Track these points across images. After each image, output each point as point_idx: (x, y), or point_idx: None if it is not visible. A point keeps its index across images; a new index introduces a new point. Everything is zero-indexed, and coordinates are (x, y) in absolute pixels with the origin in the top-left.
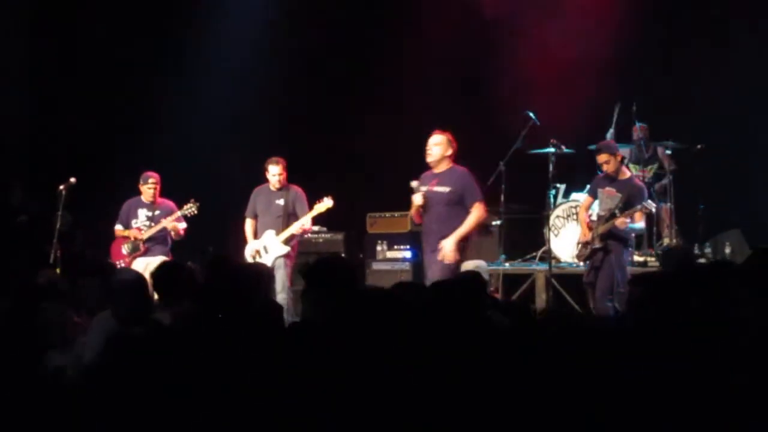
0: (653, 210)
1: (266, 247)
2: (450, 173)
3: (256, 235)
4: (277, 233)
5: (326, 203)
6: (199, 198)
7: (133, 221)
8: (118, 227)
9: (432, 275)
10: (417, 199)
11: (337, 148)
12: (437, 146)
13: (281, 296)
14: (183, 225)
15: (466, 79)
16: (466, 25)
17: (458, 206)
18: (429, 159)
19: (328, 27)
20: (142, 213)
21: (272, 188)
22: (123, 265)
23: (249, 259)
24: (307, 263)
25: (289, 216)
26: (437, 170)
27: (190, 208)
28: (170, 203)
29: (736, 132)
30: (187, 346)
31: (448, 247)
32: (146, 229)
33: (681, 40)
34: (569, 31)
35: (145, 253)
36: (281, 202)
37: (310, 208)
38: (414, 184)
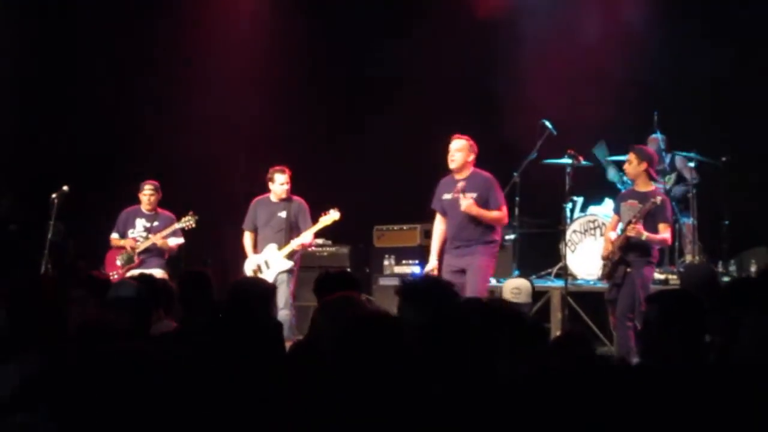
0: (658, 202)
1: (267, 261)
2: (474, 178)
3: (255, 249)
4: (279, 248)
5: (332, 216)
6: (198, 207)
7: (130, 231)
8: (114, 236)
9: (469, 286)
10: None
11: (343, 157)
12: (459, 152)
13: (283, 312)
14: (178, 241)
15: (479, 86)
16: (480, 30)
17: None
18: (452, 165)
19: (329, 31)
20: (140, 223)
21: (274, 199)
22: (117, 276)
23: (250, 274)
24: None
25: (292, 229)
26: (460, 176)
27: (188, 221)
28: (170, 215)
29: (763, 144)
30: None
31: (472, 206)
32: (142, 240)
33: (704, 46)
34: (588, 38)
35: (140, 265)
36: (283, 214)
37: (314, 220)
38: (447, 197)
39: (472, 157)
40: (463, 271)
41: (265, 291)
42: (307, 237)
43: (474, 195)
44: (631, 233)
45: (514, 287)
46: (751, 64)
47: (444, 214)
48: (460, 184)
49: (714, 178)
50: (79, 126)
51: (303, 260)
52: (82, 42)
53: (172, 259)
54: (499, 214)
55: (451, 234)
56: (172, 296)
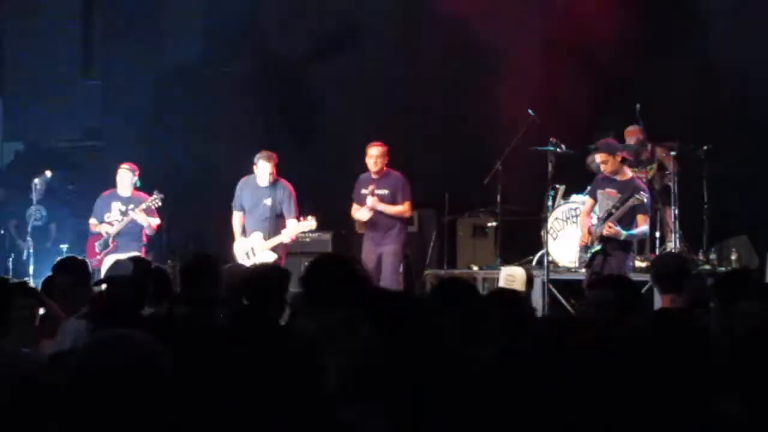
0: (644, 200)
1: (254, 249)
2: (387, 178)
3: (244, 231)
4: (265, 238)
5: (309, 223)
6: (178, 193)
7: (106, 215)
8: (92, 221)
9: (384, 269)
10: (364, 216)
11: (326, 143)
12: (381, 158)
13: None
14: (156, 221)
15: (461, 75)
16: (462, 19)
17: (394, 205)
18: (376, 168)
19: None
20: (116, 206)
21: (259, 183)
22: (95, 263)
23: (238, 257)
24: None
25: (277, 217)
26: (376, 176)
27: (154, 200)
28: (146, 197)
29: (745, 133)
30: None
31: (373, 202)
32: (117, 224)
33: (686, 37)
34: (572, 25)
35: (116, 250)
36: (268, 202)
37: (297, 207)
38: (365, 191)
39: (386, 160)
40: (380, 257)
41: (280, 280)
42: (286, 237)
43: (386, 192)
44: (608, 233)
45: (509, 274)
46: (728, 54)
47: (361, 205)
48: (370, 188)
49: (695, 168)
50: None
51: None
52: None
53: (151, 242)
54: (401, 210)
55: (372, 226)
56: (166, 279)
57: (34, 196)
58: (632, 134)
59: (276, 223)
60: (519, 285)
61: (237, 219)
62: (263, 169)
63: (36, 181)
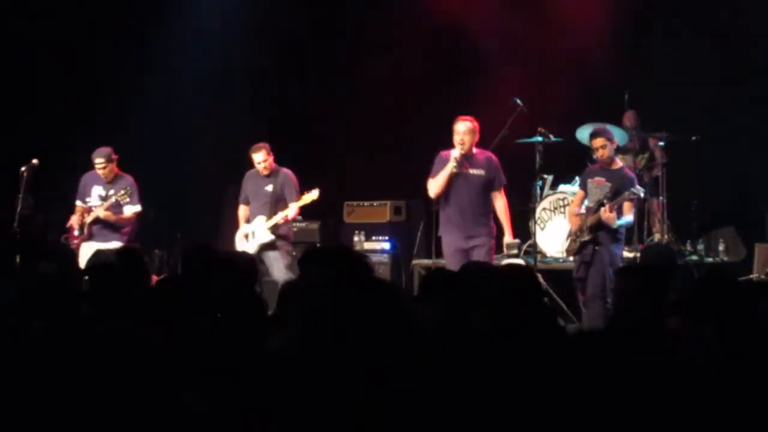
0: (641, 195)
1: (254, 232)
2: (478, 158)
3: (248, 221)
4: (267, 219)
5: (312, 195)
6: (168, 184)
7: (87, 199)
8: (78, 203)
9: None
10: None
11: (313, 131)
12: (469, 134)
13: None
14: (134, 209)
15: (450, 63)
16: (452, 8)
17: (489, 191)
18: (464, 149)
19: (307, 8)
20: (96, 191)
21: (261, 174)
22: (73, 245)
23: (238, 242)
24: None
25: (278, 201)
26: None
27: (122, 195)
28: (129, 181)
29: (734, 124)
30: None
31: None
32: (95, 210)
33: (675, 28)
34: (561, 16)
35: (91, 237)
36: (269, 188)
37: (300, 193)
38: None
39: (476, 138)
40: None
41: (245, 267)
42: (290, 211)
43: (481, 173)
44: (603, 216)
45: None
46: (722, 44)
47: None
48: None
49: (683, 158)
50: (48, 97)
51: None
52: (48, 14)
53: (141, 233)
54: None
55: (460, 212)
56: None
57: (21, 185)
58: (628, 118)
59: (277, 208)
60: None
61: (242, 211)
62: (255, 160)
63: (23, 169)
